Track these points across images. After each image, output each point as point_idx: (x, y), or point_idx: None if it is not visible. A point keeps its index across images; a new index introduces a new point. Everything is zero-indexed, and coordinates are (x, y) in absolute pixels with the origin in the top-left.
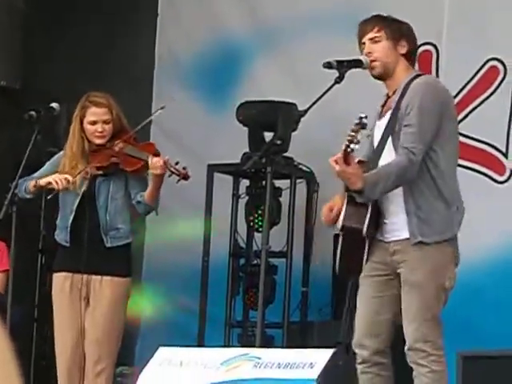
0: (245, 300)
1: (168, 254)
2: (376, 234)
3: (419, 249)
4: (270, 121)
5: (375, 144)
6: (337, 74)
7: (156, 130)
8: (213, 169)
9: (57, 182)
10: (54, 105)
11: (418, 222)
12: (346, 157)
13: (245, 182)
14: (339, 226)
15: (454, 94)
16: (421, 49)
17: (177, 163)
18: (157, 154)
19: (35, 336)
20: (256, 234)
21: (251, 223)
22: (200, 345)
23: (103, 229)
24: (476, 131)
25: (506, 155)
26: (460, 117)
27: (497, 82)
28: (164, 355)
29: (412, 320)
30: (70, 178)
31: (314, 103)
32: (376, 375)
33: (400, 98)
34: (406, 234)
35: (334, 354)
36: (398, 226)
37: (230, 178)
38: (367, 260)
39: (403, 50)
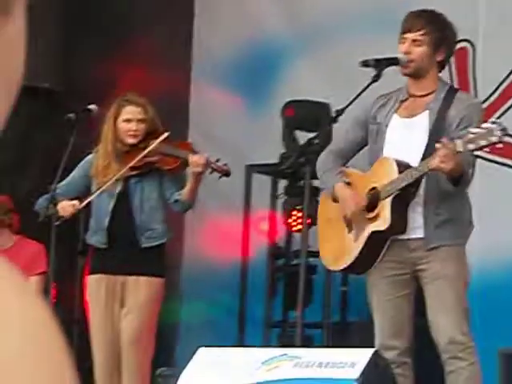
0: (284, 300)
1: (207, 254)
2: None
3: (442, 247)
4: (309, 120)
5: (389, 135)
6: (374, 73)
7: (193, 132)
8: (251, 169)
9: (63, 209)
10: (92, 107)
11: (435, 226)
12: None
13: (283, 182)
14: (386, 224)
15: (490, 91)
16: (457, 46)
17: (217, 160)
18: (195, 152)
19: (75, 338)
20: (294, 233)
21: (289, 223)
22: (240, 345)
23: (138, 229)
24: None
25: None
26: (497, 114)
27: None
28: (204, 356)
29: (448, 313)
30: (77, 204)
31: (351, 102)
32: (401, 375)
33: (444, 107)
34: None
35: (374, 354)
36: (416, 223)
37: (268, 179)
38: (383, 260)
39: (440, 58)
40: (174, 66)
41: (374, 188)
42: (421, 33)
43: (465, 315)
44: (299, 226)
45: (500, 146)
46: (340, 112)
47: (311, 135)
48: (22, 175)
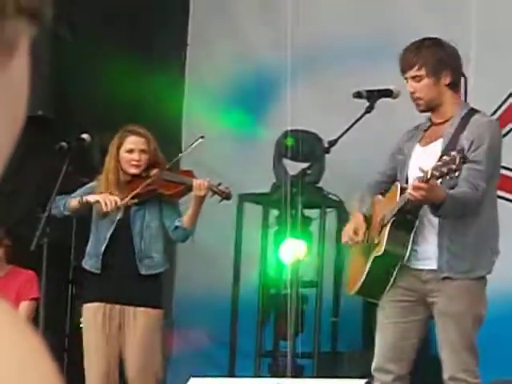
0: (275, 330)
1: (198, 282)
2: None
3: (453, 281)
4: (302, 151)
5: (411, 166)
6: (367, 104)
7: (186, 160)
8: (243, 198)
9: (106, 203)
10: (85, 136)
11: (449, 256)
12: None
13: (274, 212)
14: (381, 250)
15: None
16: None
17: (219, 184)
18: (197, 178)
19: (66, 366)
20: (286, 263)
21: (281, 253)
22: (231, 375)
23: (138, 256)
24: (506, 160)
25: None
26: None
27: None
28: None
29: (452, 350)
30: (118, 201)
31: (344, 133)
32: None
33: (457, 132)
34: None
35: None
36: (429, 254)
37: (259, 208)
38: (393, 285)
39: (447, 81)
40: (167, 94)
41: (383, 215)
42: (416, 68)
43: (470, 352)
44: (291, 256)
45: (457, 174)
46: (333, 143)
47: (304, 165)
48: (13, 203)
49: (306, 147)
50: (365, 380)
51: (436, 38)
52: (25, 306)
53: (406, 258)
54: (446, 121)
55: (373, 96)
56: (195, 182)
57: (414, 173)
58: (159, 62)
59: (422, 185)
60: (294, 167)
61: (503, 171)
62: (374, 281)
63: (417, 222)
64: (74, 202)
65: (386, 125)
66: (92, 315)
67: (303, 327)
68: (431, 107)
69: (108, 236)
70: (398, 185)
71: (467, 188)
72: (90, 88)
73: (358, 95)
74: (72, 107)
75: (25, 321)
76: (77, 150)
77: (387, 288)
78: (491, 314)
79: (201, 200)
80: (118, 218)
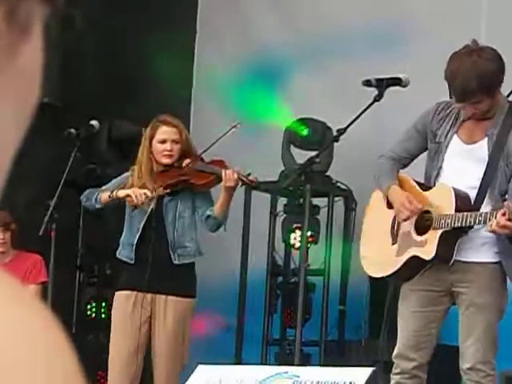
0: (282, 318)
1: (206, 270)
2: None
3: (488, 272)
4: (311, 139)
5: (447, 157)
6: (376, 92)
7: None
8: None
9: (136, 197)
10: (94, 122)
11: (479, 246)
12: None
13: (282, 200)
14: (431, 256)
15: None
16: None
17: (249, 174)
18: (227, 168)
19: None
20: (293, 251)
21: (289, 241)
22: (238, 362)
23: (171, 246)
24: None
25: None
26: None
27: None
28: (203, 373)
29: (475, 341)
30: (149, 193)
31: (353, 121)
32: None
33: (503, 133)
34: (472, 257)
35: (373, 373)
36: (463, 247)
37: (267, 196)
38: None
39: (499, 89)
40: (175, 84)
41: (428, 211)
42: (477, 98)
43: (492, 345)
44: (299, 244)
45: None
46: (342, 131)
47: (312, 153)
48: (21, 189)
49: (315, 136)
50: (372, 368)
51: (483, 52)
52: (32, 289)
53: (450, 263)
54: (488, 118)
55: (382, 84)
56: (224, 173)
57: (453, 168)
58: (168, 48)
59: (510, 224)
60: (302, 156)
61: None
62: (403, 273)
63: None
64: (104, 196)
65: (395, 113)
66: (123, 302)
67: (310, 315)
68: (484, 116)
69: (141, 226)
70: (453, 192)
71: None
72: (99, 74)
73: (368, 83)
74: (80, 94)
75: (35, 299)
76: (85, 137)
77: (413, 279)
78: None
79: (231, 190)
80: (150, 208)
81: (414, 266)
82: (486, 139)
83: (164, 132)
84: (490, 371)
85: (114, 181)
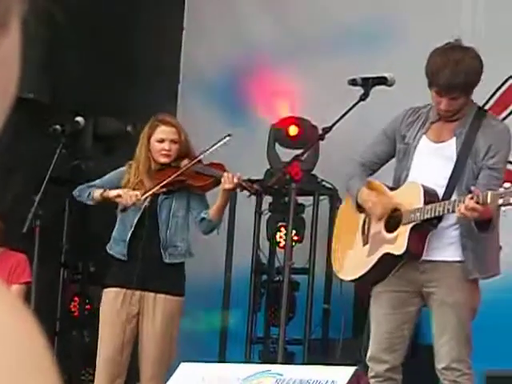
0: (266, 316)
1: (191, 268)
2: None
3: (458, 271)
4: (296, 137)
5: (416, 157)
6: (362, 91)
7: None
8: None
9: (126, 199)
10: (79, 119)
11: (474, 258)
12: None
13: (267, 199)
14: (401, 250)
15: (483, 101)
16: None
17: (248, 179)
18: (226, 171)
19: (56, 350)
20: (278, 250)
21: (274, 240)
22: (221, 361)
23: (163, 244)
24: None
25: None
26: None
27: None
28: (186, 371)
29: (449, 339)
30: (139, 195)
31: (338, 120)
32: None
33: (471, 133)
34: (440, 256)
35: (356, 372)
36: (431, 246)
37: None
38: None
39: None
40: (161, 80)
41: (397, 209)
42: (459, 92)
43: (466, 343)
44: (284, 243)
45: None
46: (327, 130)
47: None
48: (5, 186)
49: (303, 135)
50: (354, 367)
51: (468, 50)
52: (16, 289)
53: (421, 257)
54: (457, 119)
55: (368, 83)
56: (225, 176)
57: (421, 167)
58: (155, 44)
59: (479, 207)
60: (288, 154)
61: None
62: (375, 273)
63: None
64: (96, 194)
65: (380, 112)
66: (112, 299)
67: (294, 314)
68: (454, 115)
69: (134, 223)
70: (421, 187)
71: None
72: (85, 71)
73: (353, 82)
74: (66, 91)
75: (19, 301)
76: (70, 134)
77: (385, 279)
78: (487, 303)
79: (228, 194)
80: (144, 205)
81: (386, 265)
82: (454, 138)
83: (162, 131)
84: (466, 370)
85: (108, 175)
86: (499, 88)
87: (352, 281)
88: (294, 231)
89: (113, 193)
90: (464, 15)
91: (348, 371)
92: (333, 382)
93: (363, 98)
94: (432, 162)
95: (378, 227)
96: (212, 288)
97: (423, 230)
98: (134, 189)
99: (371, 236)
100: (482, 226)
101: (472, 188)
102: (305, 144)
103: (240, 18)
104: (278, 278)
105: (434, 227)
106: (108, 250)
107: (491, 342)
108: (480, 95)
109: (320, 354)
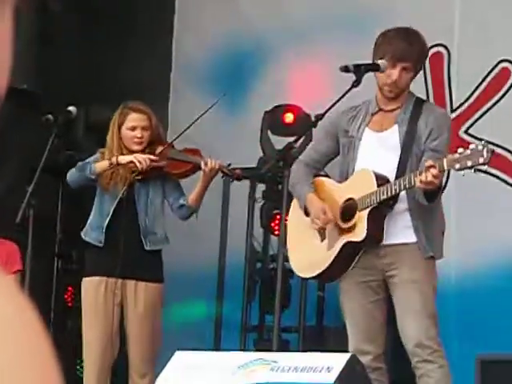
0: (261, 304)
1: (184, 257)
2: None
3: (416, 251)
4: (288, 125)
5: (362, 149)
6: (354, 78)
7: (172, 134)
8: None
9: (140, 162)
10: (71, 108)
11: (426, 239)
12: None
13: (261, 187)
14: (362, 236)
15: (466, 95)
16: (432, 50)
17: (229, 165)
18: (204, 158)
19: (51, 340)
20: (272, 237)
21: (269, 227)
22: (216, 349)
23: (143, 232)
24: (488, 134)
25: None
26: (472, 119)
27: (508, 84)
28: (181, 359)
29: (414, 318)
30: (152, 157)
31: (330, 107)
32: (375, 380)
33: (413, 119)
34: (398, 240)
35: (351, 358)
36: (389, 230)
37: (246, 182)
38: (353, 266)
39: (414, 76)
40: (154, 69)
41: (350, 199)
42: (410, 61)
43: (433, 320)
44: (277, 230)
45: (485, 167)
46: (320, 117)
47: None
48: None
49: (299, 122)
50: (350, 353)
51: (418, 33)
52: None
53: (383, 242)
54: (397, 108)
55: (360, 70)
56: (205, 162)
57: (367, 158)
58: (146, 33)
59: (440, 174)
60: (281, 142)
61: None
62: (338, 265)
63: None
64: (102, 164)
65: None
66: (94, 289)
67: (289, 302)
68: (397, 96)
69: (111, 210)
70: (372, 173)
71: None
72: (78, 61)
73: (346, 69)
74: (59, 80)
75: (17, 291)
76: (63, 123)
77: (347, 271)
78: (478, 288)
79: (210, 180)
80: (121, 192)
81: (348, 254)
82: (396, 126)
83: (133, 119)
84: (437, 346)
85: (79, 163)
86: (488, 74)
87: (314, 278)
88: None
89: (124, 159)
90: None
91: (343, 358)
92: (328, 368)
93: (355, 84)
94: (377, 151)
95: (334, 220)
96: (206, 277)
97: (380, 212)
98: (110, 177)
99: (328, 230)
100: (430, 197)
101: (423, 159)
102: (298, 132)
103: (231, 9)
104: (272, 266)
105: (390, 209)
106: (83, 237)
107: (482, 326)
108: (470, 80)
109: (315, 341)
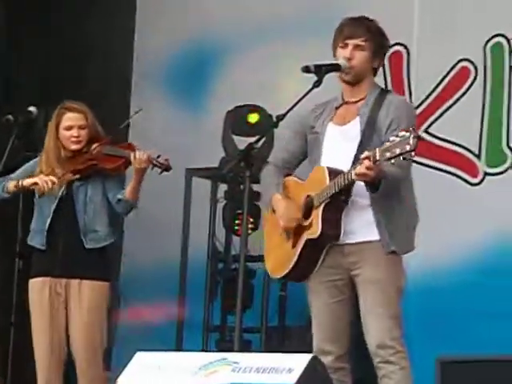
0: (223, 304)
1: (146, 257)
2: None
3: (377, 252)
4: (250, 125)
5: (325, 144)
6: (315, 78)
7: (134, 133)
8: (191, 173)
9: (43, 184)
10: (32, 108)
11: (389, 234)
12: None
13: (223, 187)
14: (317, 232)
15: (425, 94)
16: (392, 49)
17: (158, 156)
18: (136, 150)
19: (12, 341)
20: (234, 238)
21: (232, 227)
22: (178, 349)
23: (82, 231)
24: (448, 133)
25: (478, 157)
26: (432, 118)
27: (468, 83)
28: (142, 360)
29: (376, 318)
30: (55, 179)
31: (292, 107)
32: (338, 381)
33: (374, 110)
34: (361, 237)
35: (312, 359)
36: (352, 229)
37: (208, 183)
38: (320, 265)
39: (376, 65)
40: (115, 66)
41: (308, 195)
42: (363, 39)
43: (395, 321)
44: (238, 230)
45: (413, 154)
46: (281, 117)
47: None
48: None
49: (263, 123)
50: (311, 354)
51: (370, 18)
52: None
53: (340, 237)
54: (360, 100)
55: (321, 71)
56: (134, 155)
57: (330, 152)
58: (108, 31)
59: (373, 166)
60: (242, 142)
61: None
62: (304, 264)
63: (349, 203)
64: (11, 186)
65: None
66: (38, 290)
67: (251, 302)
68: (354, 82)
69: (51, 212)
70: (325, 168)
71: (394, 167)
72: (38, 61)
73: (307, 70)
74: (21, 81)
75: None
76: (23, 124)
77: (315, 269)
78: (438, 287)
79: (141, 172)
80: (60, 193)
81: (310, 252)
82: (357, 118)
83: (69, 118)
84: (400, 347)
85: (21, 168)
86: (448, 73)
87: (284, 277)
88: (249, 219)
89: (28, 181)
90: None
91: (304, 358)
92: (289, 369)
93: (317, 85)
94: (339, 145)
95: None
96: (168, 277)
97: (334, 208)
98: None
99: (294, 230)
100: (373, 188)
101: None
102: (259, 132)
103: (193, 5)
104: (234, 266)
105: (344, 203)
106: (29, 242)
107: (442, 327)
108: (429, 79)
109: (277, 341)
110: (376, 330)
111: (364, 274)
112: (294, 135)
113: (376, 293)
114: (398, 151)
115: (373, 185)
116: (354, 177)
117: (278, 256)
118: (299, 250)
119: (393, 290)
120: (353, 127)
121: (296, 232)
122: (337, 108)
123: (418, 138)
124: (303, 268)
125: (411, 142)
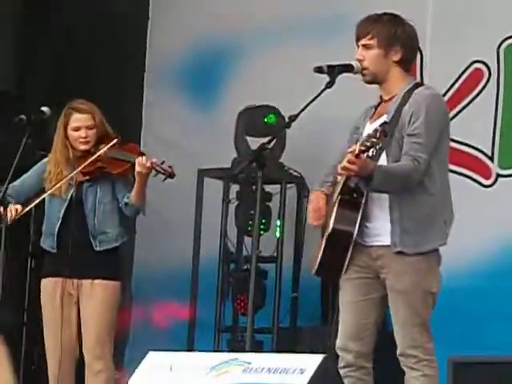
0: (234, 305)
1: (158, 258)
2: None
3: (402, 256)
4: (263, 126)
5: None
6: (328, 79)
7: (147, 134)
8: (203, 173)
9: (6, 214)
10: (45, 109)
11: (401, 231)
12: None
13: (235, 187)
14: (329, 228)
15: None
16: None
17: (162, 162)
18: (141, 154)
19: (24, 340)
20: (246, 238)
21: (241, 228)
22: (190, 350)
23: (92, 233)
24: (461, 134)
25: (491, 159)
26: None
27: (481, 85)
28: (154, 360)
29: (401, 326)
30: (19, 210)
31: (304, 108)
32: (358, 379)
33: (400, 106)
34: (388, 241)
35: (324, 360)
36: (380, 231)
37: (220, 183)
38: (348, 263)
39: (396, 57)
40: (127, 67)
41: (326, 195)
42: (368, 37)
43: (421, 328)
44: (250, 231)
45: (378, 146)
46: (293, 118)
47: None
48: None
49: (278, 123)
50: (323, 355)
51: (395, 15)
52: None
53: (354, 235)
54: (393, 97)
55: (333, 71)
56: (137, 161)
57: None
58: (121, 32)
59: (354, 159)
60: (255, 142)
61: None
62: (330, 261)
63: (363, 200)
64: None
65: (346, 100)
66: (50, 291)
67: (263, 303)
68: (377, 80)
69: (61, 215)
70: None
71: (408, 161)
72: (52, 61)
73: (319, 70)
74: (34, 81)
75: None
76: (36, 123)
77: (344, 267)
78: (450, 288)
79: (143, 178)
80: (69, 196)
81: (332, 251)
82: (385, 116)
83: (77, 119)
84: (423, 356)
85: (31, 170)
86: (461, 75)
87: (316, 274)
88: (261, 220)
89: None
90: (424, 2)
91: (316, 359)
92: (301, 370)
93: (329, 85)
94: None
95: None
96: (180, 277)
97: (350, 205)
98: (55, 179)
99: (322, 228)
100: (366, 183)
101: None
102: (275, 133)
103: (204, 9)
104: (246, 267)
105: (360, 195)
106: (41, 244)
107: (454, 327)
108: (443, 81)
109: (288, 342)
110: (399, 339)
111: (389, 281)
112: (350, 139)
113: (399, 302)
114: (368, 144)
115: (363, 180)
116: (339, 170)
117: (314, 253)
118: (322, 247)
119: (418, 297)
120: (378, 123)
121: (323, 230)
122: (376, 107)
123: (382, 131)
124: (329, 266)
125: (377, 134)
